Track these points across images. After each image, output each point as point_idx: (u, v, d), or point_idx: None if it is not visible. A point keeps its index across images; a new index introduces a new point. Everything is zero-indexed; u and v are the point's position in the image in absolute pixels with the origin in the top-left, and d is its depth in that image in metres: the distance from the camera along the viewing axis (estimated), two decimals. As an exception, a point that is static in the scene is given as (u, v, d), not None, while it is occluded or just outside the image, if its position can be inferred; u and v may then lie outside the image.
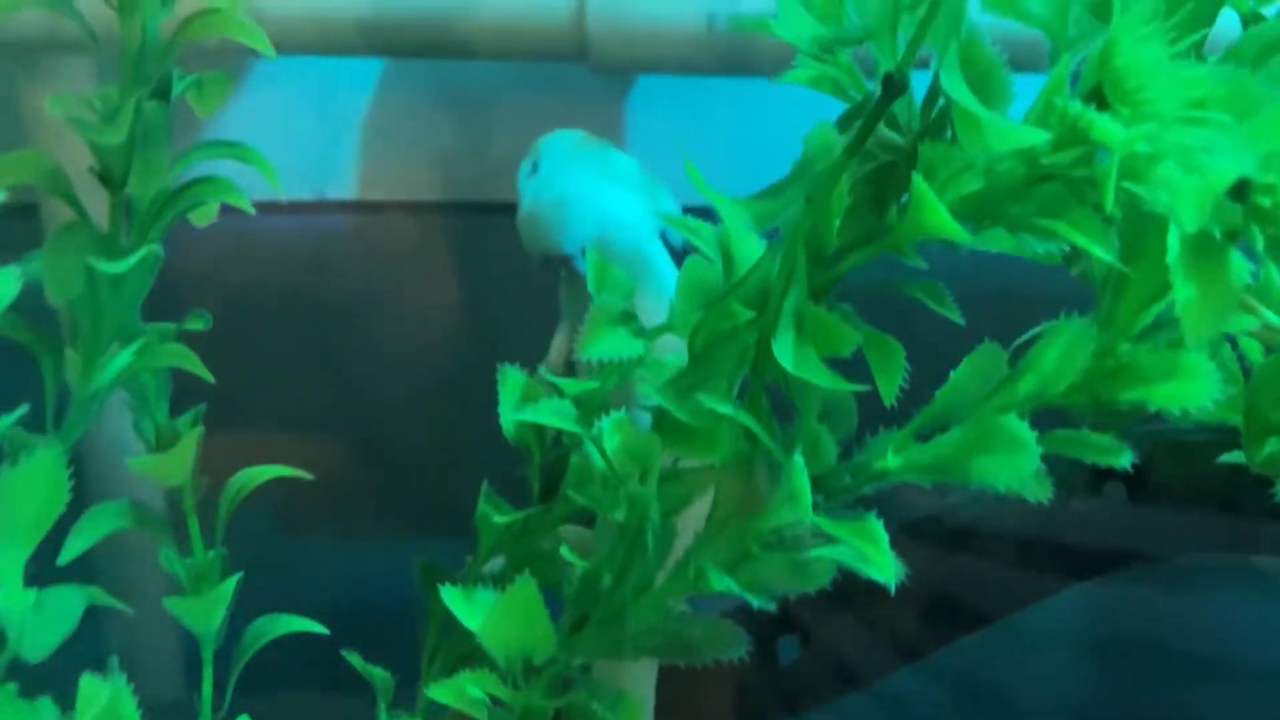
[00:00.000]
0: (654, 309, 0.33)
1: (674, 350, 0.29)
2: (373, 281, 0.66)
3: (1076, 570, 0.33)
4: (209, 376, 0.24)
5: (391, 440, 0.58)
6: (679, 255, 0.39)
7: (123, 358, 0.23)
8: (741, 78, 0.59)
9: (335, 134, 0.67)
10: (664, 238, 0.39)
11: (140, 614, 0.25)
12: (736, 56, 0.57)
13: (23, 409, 0.18)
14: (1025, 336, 0.32)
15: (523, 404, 0.30)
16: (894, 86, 0.22)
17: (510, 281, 0.63)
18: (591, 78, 0.58)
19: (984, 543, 0.32)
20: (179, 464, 0.24)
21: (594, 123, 0.66)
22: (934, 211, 0.21)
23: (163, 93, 0.25)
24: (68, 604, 0.20)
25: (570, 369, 0.39)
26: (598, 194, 0.38)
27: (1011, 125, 0.20)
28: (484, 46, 0.57)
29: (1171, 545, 0.33)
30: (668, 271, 0.38)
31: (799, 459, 0.20)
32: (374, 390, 0.59)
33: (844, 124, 0.28)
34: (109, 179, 0.23)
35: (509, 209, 0.74)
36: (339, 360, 0.60)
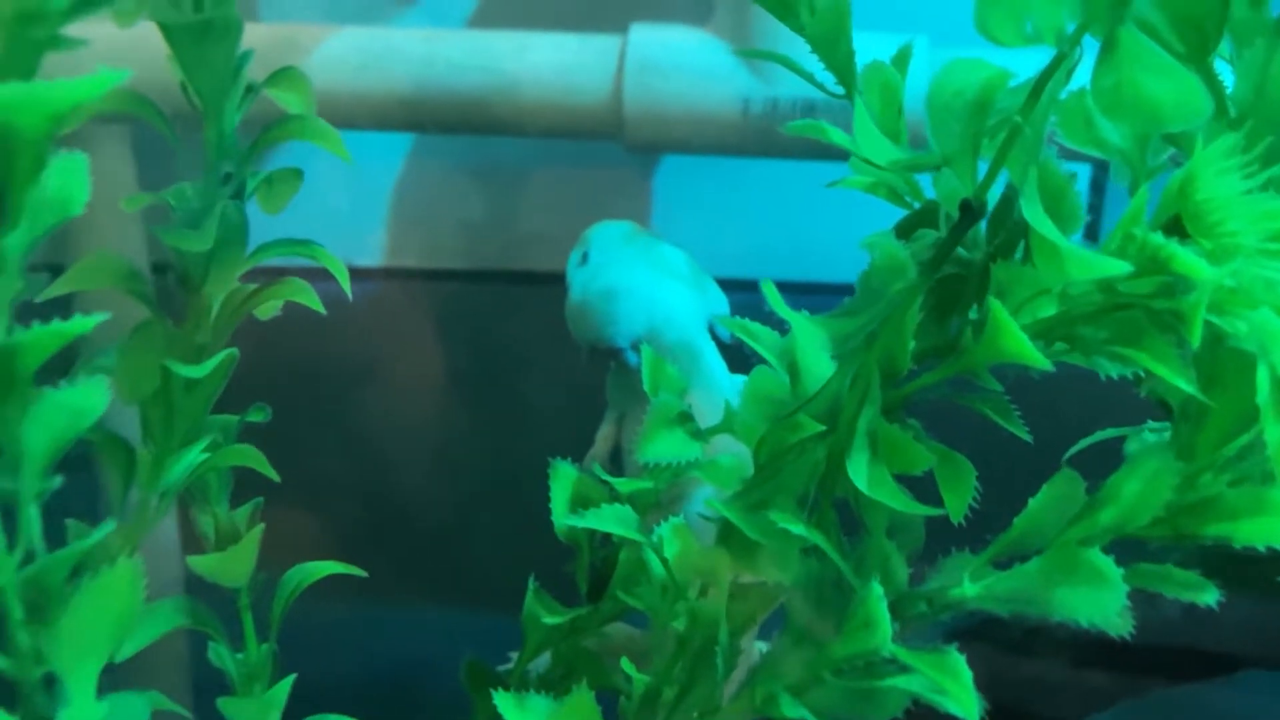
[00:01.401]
0: (704, 403, 0.33)
1: (725, 448, 0.29)
2: (397, 348, 0.66)
3: (1135, 679, 0.33)
4: (275, 476, 0.24)
5: (411, 507, 0.58)
6: (726, 348, 0.39)
7: (191, 456, 0.23)
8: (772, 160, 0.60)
9: (363, 201, 0.68)
10: (712, 330, 0.39)
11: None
12: (769, 140, 0.57)
13: (110, 525, 0.18)
14: (1079, 445, 0.32)
15: (577, 505, 0.30)
16: (972, 212, 0.22)
17: (534, 350, 0.63)
18: (619, 151, 0.59)
19: (1042, 648, 0.32)
20: (241, 564, 0.24)
21: (621, 195, 0.67)
22: (1012, 337, 0.21)
23: (240, 193, 0.25)
24: (133, 712, 0.20)
25: (615, 457, 0.39)
26: (648, 287, 0.38)
27: (1093, 256, 0.21)
28: (522, 125, 0.58)
29: (1231, 658, 0.33)
30: (716, 365, 0.38)
31: (877, 587, 0.20)
32: (396, 457, 0.59)
33: (903, 231, 0.28)
34: (188, 281, 0.23)
35: (534, 278, 0.74)
36: (361, 425, 0.60)
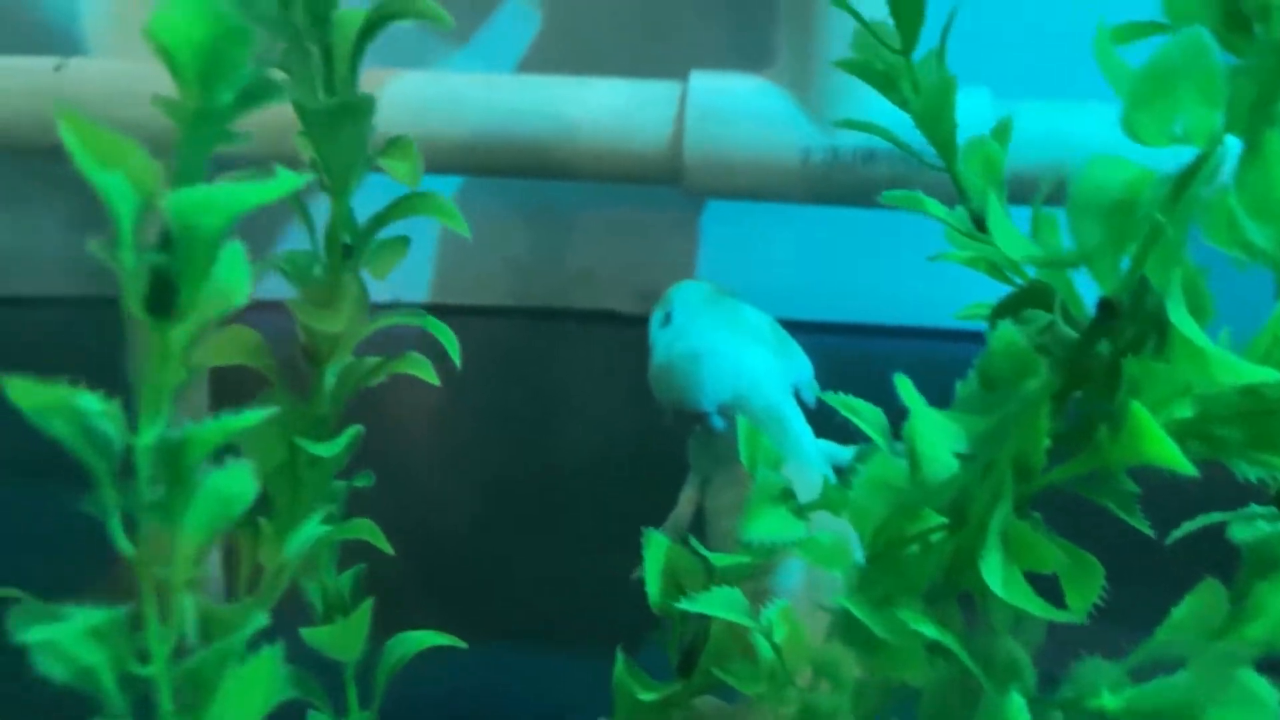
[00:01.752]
0: (793, 472, 0.33)
1: (819, 524, 0.28)
2: (444, 383, 0.66)
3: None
4: (389, 549, 0.24)
5: (456, 543, 0.57)
6: (810, 412, 0.39)
7: (310, 528, 0.23)
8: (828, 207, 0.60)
9: (412, 238, 0.68)
10: (797, 395, 0.39)
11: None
12: (828, 188, 0.57)
13: (261, 619, 0.18)
14: (1181, 530, 0.31)
15: (670, 577, 0.29)
16: (1113, 312, 0.22)
17: (581, 387, 0.63)
18: (667, 192, 0.59)
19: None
20: (354, 636, 0.24)
21: (668, 235, 0.67)
22: (1155, 440, 0.21)
23: (355, 265, 0.25)
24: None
25: (697, 522, 0.39)
26: (733, 350, 0.38)
27: (1241, 363, 0.20)
28: (581, 170, 0.58)
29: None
30: (803, 432, 0.38)
31: (1019, 697, 0.19)
32: (442, 494, 0.59)
33: (1010, 310, 0.28)
34: (315, 356, 0.23)
35: (581, 316, 0.74)
36: (405, 463, 0.60)
